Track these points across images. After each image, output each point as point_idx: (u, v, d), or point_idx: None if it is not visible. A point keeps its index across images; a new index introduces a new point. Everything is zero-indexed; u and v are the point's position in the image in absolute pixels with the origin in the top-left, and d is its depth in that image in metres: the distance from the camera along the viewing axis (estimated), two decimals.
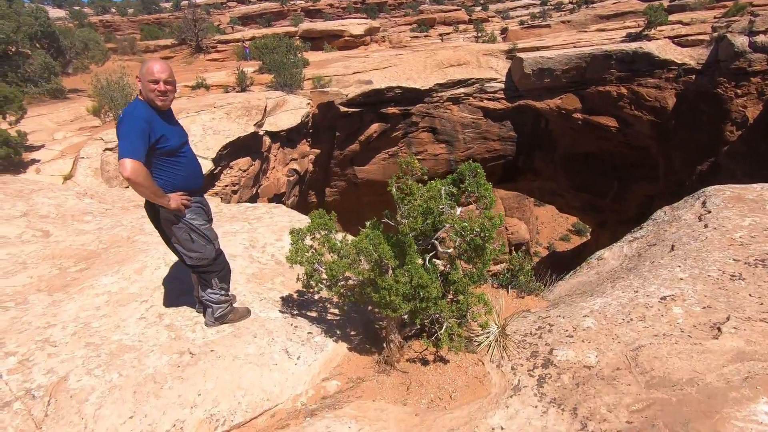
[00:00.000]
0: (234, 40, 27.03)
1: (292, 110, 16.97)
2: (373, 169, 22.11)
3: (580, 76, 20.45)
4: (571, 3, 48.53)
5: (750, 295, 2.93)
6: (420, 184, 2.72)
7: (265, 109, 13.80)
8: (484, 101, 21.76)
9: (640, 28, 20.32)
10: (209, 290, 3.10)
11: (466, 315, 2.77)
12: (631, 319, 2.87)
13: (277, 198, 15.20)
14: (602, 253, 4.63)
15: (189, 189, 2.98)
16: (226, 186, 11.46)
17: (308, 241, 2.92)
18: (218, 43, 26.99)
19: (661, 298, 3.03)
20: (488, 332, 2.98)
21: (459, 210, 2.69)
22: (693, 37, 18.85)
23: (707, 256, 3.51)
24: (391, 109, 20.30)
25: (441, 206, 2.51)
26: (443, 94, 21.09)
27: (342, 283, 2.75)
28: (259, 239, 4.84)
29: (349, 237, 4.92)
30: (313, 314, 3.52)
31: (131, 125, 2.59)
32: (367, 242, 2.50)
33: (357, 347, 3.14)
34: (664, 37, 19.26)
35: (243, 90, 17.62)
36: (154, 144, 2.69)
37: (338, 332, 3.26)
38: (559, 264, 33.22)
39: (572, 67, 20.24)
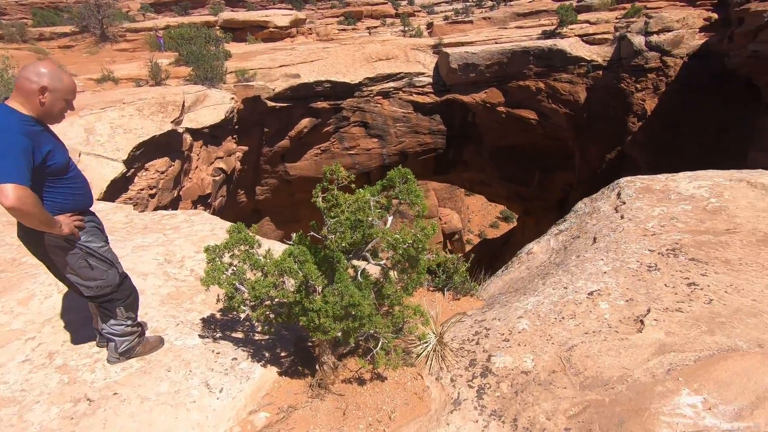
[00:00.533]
0: (146, 28, 24.82)
1: (214, 106, 15.94)
2: (305, 165, 21.53)
3: (502, 71, 21.32)
4: (491, 0, 50.57)
5: (665, 285, 3.09)
6: (347, 193, 2.52)
7: (183, 105, 12.79)
8: (414, 95, 21.99)
9: (554, 27, 21.60)
10: (112, 322, 2.68)
11: (402, 328, 2.64)
12: (563, 318, 2.92)
13: (203, 199, 14.24)
14: (531, 247, 4.75)
15: (80, 209, 2.53)
16: (142, 190, 10.45)
17: (227, 258, 2.61)
18: (127, 31, 24.62)
19: (589, 294, 3.11)
20: (426, 342, 2.88)
21: (390, 219, 2.53)
22: (599, 36, 20.38)
23: (626, 248, 3.68)
24: (321, 104, 19.84)
25: (370, 218, 2.33)
26: (373, 88, 20.98)
27: (267, 303, 2.49)
28: (177, 252, 4.37)
29: (276, 246, 4.61)
30: (239, 335, 3.21)
31: (9, 141, 2.11)
32: (290, 261, 2.26)
33: (289, 370, 2.89)
34: (575, 35, 20.63)
35: (158, 84, 16.22)
36: (41, 163, 2.23)
37: (267, 355, 2.99)
38: (491, 250, 34.81)
39: (495, 62, 21.04)
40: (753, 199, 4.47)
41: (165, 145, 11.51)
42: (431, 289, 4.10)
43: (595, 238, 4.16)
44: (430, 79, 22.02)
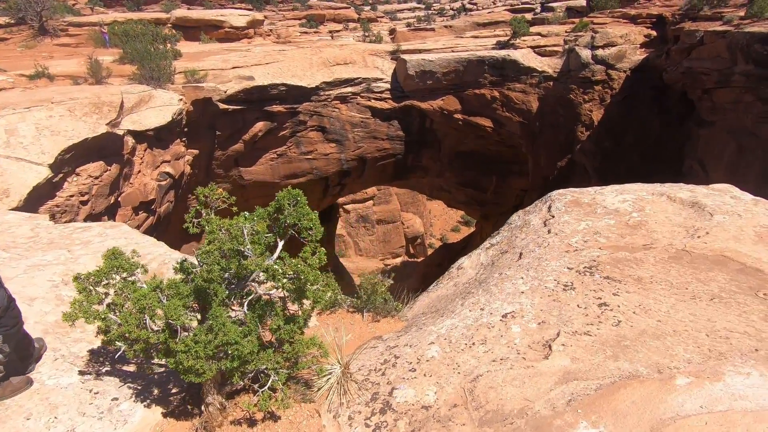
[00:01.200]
0: (90, 23, 23.42)
1: (160, 107, 15.18)
2: (260, 170, 20.93)
3: (459, 79, 21.59)
4: (452, 9, 51.50)
5: (578, 305, 3.04)
6: (228, 218, 2.28)
7: (122, 106, 12.05)
8: (372, 101, 21.87)
9: (508, 37, 22.12)
10: None
11: (298, 361, 2.43)
12: (474, 343, 2.80)
13: (145, 206, 13.48)
14: (462, 262, 4.67)
15: None
16: (72, 196, 9.71)
17: (102, 288, 2.31)
18: (70, 25, 23.13)
19: (503, 316, 3.02)
20: (330, 374, 2.68)
21: (281, 244, 2.32)
22: (550, 48, 21.02)
23: (546, 266, 3.64)
24: (277, 107, 19.35)
25: (246, 247, 2.11)
26: (331, 92, 20.70)
27: (140, 342, 2.21)
28: (79, 271, 3.96)
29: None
30: (131, 369, 2.89)
31: None
32: (153, 297, 2.01)
33: (177, 410, 2.61)
34: (527, 47, 21.19)
35: (98, 82, 15.27)
36: None
37: (156, 392, 2.70)
38: (451, 254, 35.21)
39: (451, 70, 21.27)
40: (671, 213, 4.57)
41: (100, 148, 10.78)
42: (351, 310, 3.92)
43: (521, 254, 4.11)
44: (388, 85, 21.98)
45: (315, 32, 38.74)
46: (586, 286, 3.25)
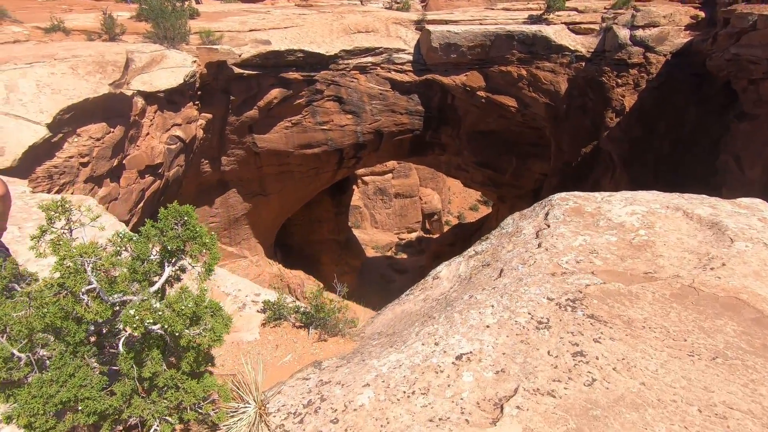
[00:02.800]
0: None
1: (173, 68, 14.77)
2: (275, 138, 20.51)
3: (485, 54, 20.35)
4: None
5: (549, 352, 2.54)
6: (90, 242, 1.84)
7: (127, 66, 11.66)
8: (392, 72, 20.92)
9: (541, 12, 20.55)
10: None
11: (187, 408, 2.04)
12: (413, 392, 2.35)
13: (152, 169, 13.31)
14: (440, 271, 4.17)
15: None
16: (71, 158, 9.51)
17: None
18: None
19: (457, 358, 2.54)
20: (241, 416, 2.29)
21: (165, 274, 1.88)
22: (585, 26, 19.45)
23: (524, 293, 3.11)
24: (293, 74, 18.68)
25: (87, 287, 1.67)
26: (350, 61, 19.84)
27: None
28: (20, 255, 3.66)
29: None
30: None
31: None
32: None
33: None
34: (561, 23, 19.66)
35: (112, 39, 14.90)
36: None
37: None
38: (464, 235, 34.60)
39: (477, 44, 20.02)
40: (685, 233, 3.93)
41: (103, 109, 10.49)
42: (297, 325, 3.50)
43: (502, 271, 3.58)
44: (410, 57, 20.92)
45: None
46: (564, 325, 2.73)
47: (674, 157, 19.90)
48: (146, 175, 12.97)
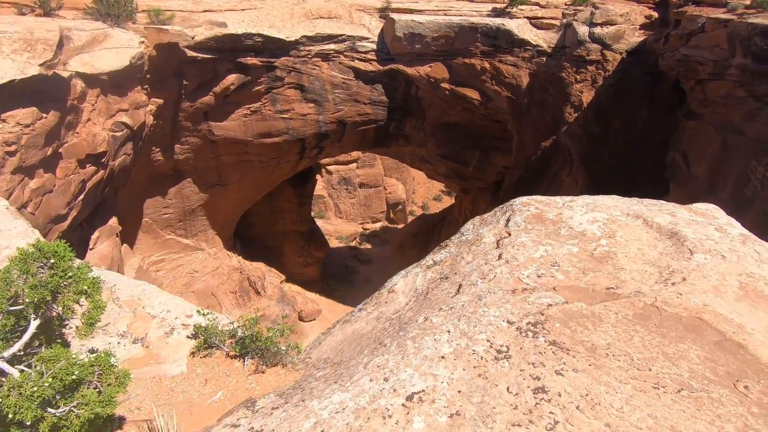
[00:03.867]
0: None
1: (117, 48, 13.62)
2: (232, 126, 19.52)
3: (449, 45, 20.12)
4: None
5: (508, 388, 2.29)
6: None
7: (60, 45, 10.54)
8: (356, 61, 20.32)
9: (505, 5, 20.50)
10: None
11: None
12: None
13: (94, 158, 12.25)
14: (396, 283, 3.87)
15: None
16: None
17: None
18: None
19: (408, 398, 2.26)
20: None
21: (32, 326, 1.46)
22: (547, 21, 19.58)
23: (483, 315, 2.86)
24: (252, 60, 17.74)
25: None
26: (312, 48, 19.06)
27: None
28: None
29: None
30: None
31: None
32: None
33: None
34: (524, 17, 19.68)
35: (47, 14, 13.49)
36: None
37: None
38: (428, 226, 34.72)
39: (442, 35, 19.75)
40: (646, 243, 3.81)
41: (33, 91, 9.43)
42: (232, 354, 3.10)
43: (460, 286, 3.32)
44: (374, 46, 20.38)
45: None
46: (525, 355, 2.49)
47: (628, 153, 20.58)
48: (87, 165, 11.92)
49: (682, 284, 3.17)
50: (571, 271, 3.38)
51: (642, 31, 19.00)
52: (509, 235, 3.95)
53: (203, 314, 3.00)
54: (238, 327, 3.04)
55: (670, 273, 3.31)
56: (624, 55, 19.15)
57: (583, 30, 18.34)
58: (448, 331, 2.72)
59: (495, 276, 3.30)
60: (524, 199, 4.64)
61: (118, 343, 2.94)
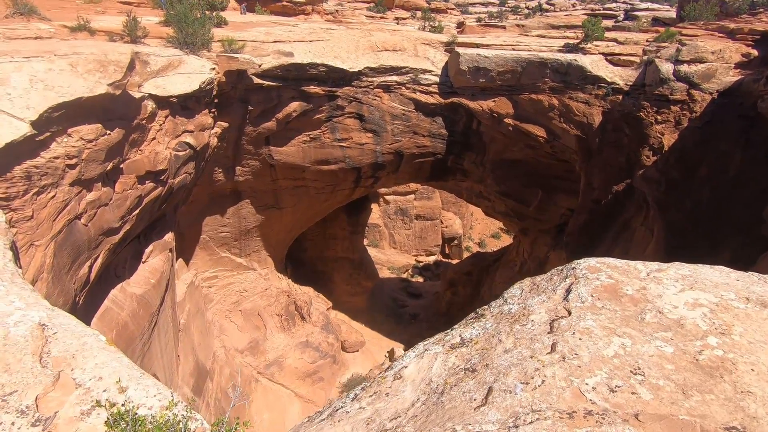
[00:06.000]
0: None
1: (189, 73, 14.19)
2: (291, 151, 19.73)
3: (515, 80, 19.12)
4: (527, 8, 47.66)
5: None
6: None
7: (131, 66, 11.00)
8: (417, 93, 19.92)
9: (578, 40, 19.22)
10: None
11: None
12: None
13: (153, 176, 12.54)
14: (406, 365, 2.87)
15: None
16: (56, 158, 8.73)
17: None
18: None
19: None
20: None
21: None
22: (625, 57, 17.98)
23: None
24: (314, 89, 17.93)
25: None
26: (374, 79, 18.97)
27: None
28: None
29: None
30: None
31: None
32: None
33: None
34: (599, 53, 18.26)
35: (134, 42, 14.49)
36: None
37: None
38: (482, 265, 32.78)
39: (508, 69, 18.83)
40: None
41: (100, 109, 9.77)
42: None
43: (490, 390, 2.27)
44: (437, 78, 19.92)
45: (381, 17, 36.86)
46: None
47: (715, 204, 17.90)
48: (146, 181, 12.20)
49: None
50: (663, 388, 2.20)
51: (738, 70, 16.77)
52: (569, 314, 2.84)
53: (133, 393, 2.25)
54: (181, 420, 2.20)
55: None
56: (715, 95, 16.97)
57: (666, 67, 16.52)
58: None
59: (543, 382, 2.22)
60: (592, 262, 3.49)
61: (12, 424, 2.23)
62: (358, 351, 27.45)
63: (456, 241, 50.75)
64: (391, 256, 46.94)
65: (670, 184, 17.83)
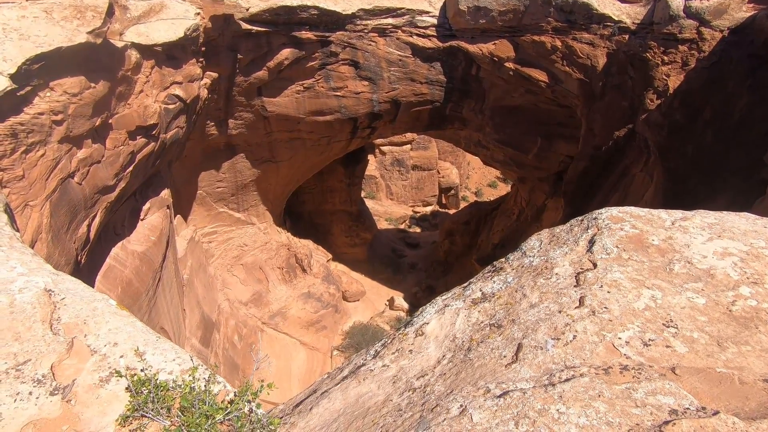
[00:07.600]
0: None
1: (172, 19, 13.29)
2: (285, 102, 18.97)
3: (517, 20, 18.10)
4: None
5: None
6: None
7: (110, 12, 10.21)
8: (414, 37, 18.87)
9: None
10: None
11: None
12: None
13: (144, 130, 12.06)
14: (427, 321, 2.80)
15: None
16: (41, 114, 8.28)
17: None
18: None
19: None
20: None
21: None
22: None
23: (557, 418, 1.74)
24: (306, 34, 16.89)
25: None
26: (368, 22, 17.87)
27: None
28: None
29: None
30: None
31: None
32: None
33: None
34: None
35: None
36: None
37: None
38: (480, 214, 32.88)
39: (510, 8, 17.77)
40: None
41: (82, 60, 9.15)
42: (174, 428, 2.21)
43: (519, 347, 2.20)
44: (434, 20, 18.80)
45: None
46: None
47: (717, 148, 17.66)
48: (138, 137, 11.75)
49: None
50: (698, 340, 2.14)
51: (751, 5, 15.88)
52: (594, 266, 2.73)
53: (152, 357, 2.17)
54: (195, 386, 2.10)
55: None
56: (725, 33, 16.19)
57: (677, 3, 15.60)
58: None
59: (575, 337, 2.15)
60: (614, 211, 3.35)
61: (30, 394, 2.16)
62: (358, 300, 28.14)
63: (453, 191, 50.61)
64: (388, 208, 46.98)
65: (673, 127, 17.46)
